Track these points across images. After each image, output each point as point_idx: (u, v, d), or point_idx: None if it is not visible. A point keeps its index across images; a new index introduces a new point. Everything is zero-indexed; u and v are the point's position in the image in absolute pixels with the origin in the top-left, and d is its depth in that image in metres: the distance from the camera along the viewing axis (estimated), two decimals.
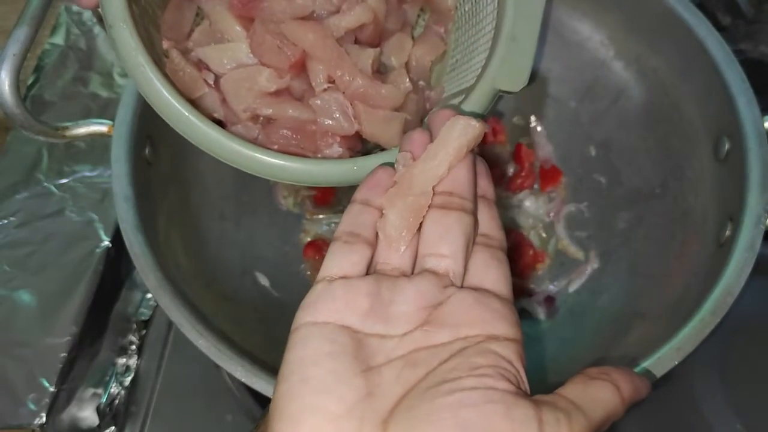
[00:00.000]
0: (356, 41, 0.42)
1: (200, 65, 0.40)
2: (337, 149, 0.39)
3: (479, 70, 0.40)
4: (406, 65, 0.44)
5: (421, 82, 0.45)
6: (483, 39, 0.42)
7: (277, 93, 0.39)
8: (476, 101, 0.38)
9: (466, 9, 0.44)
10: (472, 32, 0.44)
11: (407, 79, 0.42)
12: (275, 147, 0.38)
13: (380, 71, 0.43)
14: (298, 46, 0.39)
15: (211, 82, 0.39)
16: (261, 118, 0.39)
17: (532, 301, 0.54)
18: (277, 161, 0.36)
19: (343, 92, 0.39)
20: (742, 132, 0.44)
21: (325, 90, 0.39)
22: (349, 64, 0.39)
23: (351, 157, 0.39)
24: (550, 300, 0.54)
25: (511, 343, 0.27)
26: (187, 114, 0.35)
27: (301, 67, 0.40)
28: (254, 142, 0.38)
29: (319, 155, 0.39)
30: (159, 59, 0.38)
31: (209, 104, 0.39)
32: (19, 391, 0.48)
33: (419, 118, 0.43)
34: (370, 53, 0.41)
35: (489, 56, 0.39)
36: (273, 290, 0.53)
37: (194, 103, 0.38)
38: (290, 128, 0.39)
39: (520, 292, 0.55)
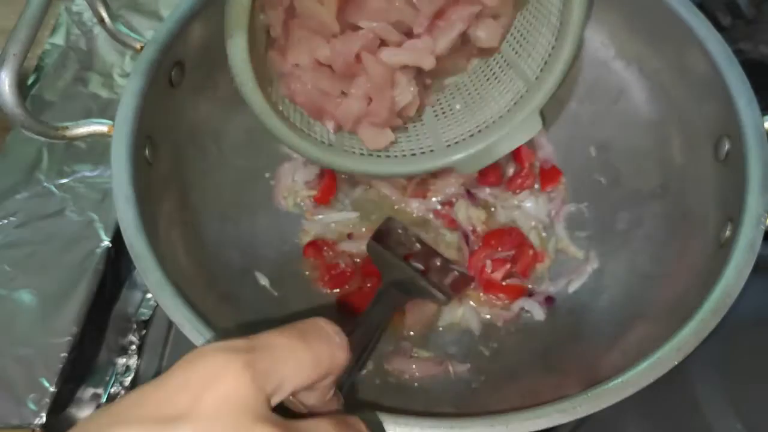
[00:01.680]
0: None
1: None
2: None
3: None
4: None
5: None
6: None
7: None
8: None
9: None
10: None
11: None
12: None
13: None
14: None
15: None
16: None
17: (532, 301, 0.54)
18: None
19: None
20: (742, 132, 0.44)
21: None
22: (389, 102, 0.46)
23: None
24: (549, 300, 0.54)
25: None
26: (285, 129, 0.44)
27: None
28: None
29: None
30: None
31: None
32: (19, 391, 0.48)
33: None
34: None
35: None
36: (273, 290, 0.53)
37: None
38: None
39: (521, 292, 0.55)
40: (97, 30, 0.67)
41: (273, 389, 0.26)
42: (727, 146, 0.46)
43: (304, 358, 0.28)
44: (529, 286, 0.56)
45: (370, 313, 0.47)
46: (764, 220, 0.42)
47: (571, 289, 0.54)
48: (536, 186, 0.59)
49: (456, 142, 0.50)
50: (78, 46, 0.67)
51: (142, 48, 0.47)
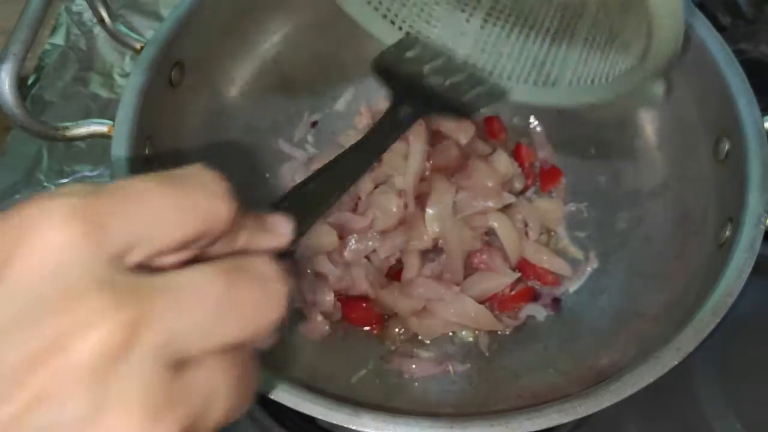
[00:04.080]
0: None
1: None
2: None
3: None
4: None
5: None
6: None
7: None
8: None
9: None
10: None
11: None
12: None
13: None
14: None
15: None
16: None
17: (539, 306, 0.53)
18: None
19: None
20: (742, 132, 0.44)
21: None
22: None
23: None
24: (556, 302, 0.54)
25: None
26: None
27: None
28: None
29: None
30: None
31: None
32: None
33: None
34: None
35: None
36: None
37: None
38: None
39: (529, 295, 0.54)
40: (97, 30, 0.67)
41: (122, 245, 0.19)
42: (726, 146, 0.46)
43: (166, 206, 0.21)
44: (529, 285, 0.55)
45: (375, 132, 0.39)
46: (764, 220, 0.42)
47: (571, 289, 0.54)
48: (536, 186, 0.59)
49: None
50: (78, 46, 0.67)
51: (142, 48, 0.47)
